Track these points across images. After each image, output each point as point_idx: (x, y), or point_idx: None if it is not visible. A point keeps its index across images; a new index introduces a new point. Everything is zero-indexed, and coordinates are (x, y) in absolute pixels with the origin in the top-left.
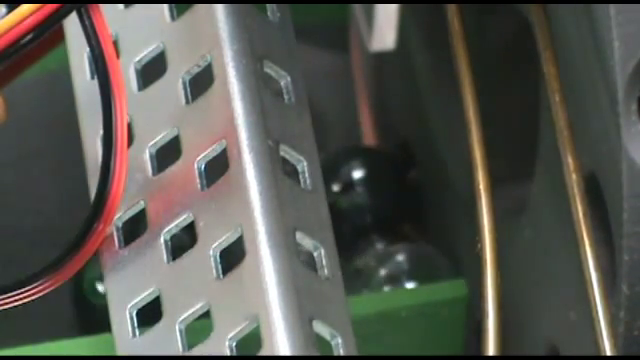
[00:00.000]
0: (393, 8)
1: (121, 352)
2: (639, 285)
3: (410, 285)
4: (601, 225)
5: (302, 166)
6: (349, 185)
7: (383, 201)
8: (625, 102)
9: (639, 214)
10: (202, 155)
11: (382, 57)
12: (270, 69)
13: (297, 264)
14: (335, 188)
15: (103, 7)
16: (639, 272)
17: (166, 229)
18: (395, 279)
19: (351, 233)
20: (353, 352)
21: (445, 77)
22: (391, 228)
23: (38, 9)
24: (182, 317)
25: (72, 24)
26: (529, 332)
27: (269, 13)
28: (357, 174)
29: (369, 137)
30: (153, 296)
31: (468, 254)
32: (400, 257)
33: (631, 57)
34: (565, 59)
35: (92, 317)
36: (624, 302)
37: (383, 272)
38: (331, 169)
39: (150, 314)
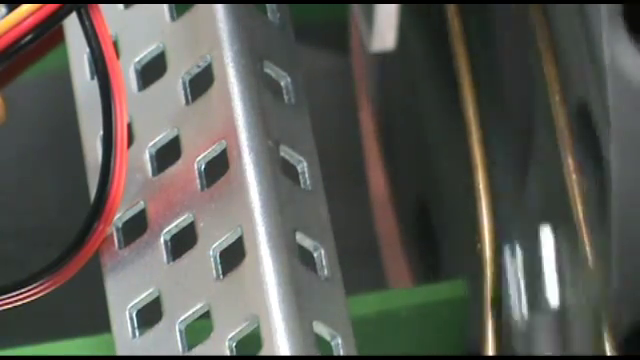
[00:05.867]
0: (393, 8)
1: (121, 352)
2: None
3: None
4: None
5: (302, 166)
6: None
7: None
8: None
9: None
10: (202, 155)
11: (382, 57)
12: (270, 69)
13: (297, 264)
14: None
15: (103, 7)
16: (629, 195)
17: (166, 229)
18: None
19: None
20: (353, 352)
21: (445, 77)
22: None
23: (38, 9)
24: (182, 317)
25: (72, 24)
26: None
27: (269, 13)
28: None
29: (369, 137)
30: (153, 296)
31: (468, 254)
32: None
33: None
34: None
35: None
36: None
37: None
38: None
39: (150, 314)
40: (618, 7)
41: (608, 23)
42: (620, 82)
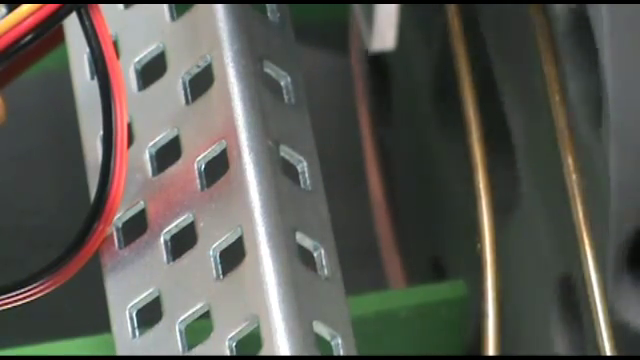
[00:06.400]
0: (393, 8)
1: (121, 352)
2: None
3: None
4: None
5: (302, 166)
6: None
7: None
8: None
9: None
10: (202, 155)
11: (382, 57)
12: (270, 69)
13: (297, 264)
14: None
15: (103, 7)
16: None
17: (166, 229)
18: None
19: None
20: (353, 352)
21: (444, 77)
22: None
23: (38, 9)
24: (182, 317)
25: (72, 24)
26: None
27: (269, 13)
28: None
29: (368, 137)
30: (153, 296)
31: (468, 254)
32: None
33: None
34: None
35: None
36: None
37: None
38: None
39: (150, 314)
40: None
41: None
42: None
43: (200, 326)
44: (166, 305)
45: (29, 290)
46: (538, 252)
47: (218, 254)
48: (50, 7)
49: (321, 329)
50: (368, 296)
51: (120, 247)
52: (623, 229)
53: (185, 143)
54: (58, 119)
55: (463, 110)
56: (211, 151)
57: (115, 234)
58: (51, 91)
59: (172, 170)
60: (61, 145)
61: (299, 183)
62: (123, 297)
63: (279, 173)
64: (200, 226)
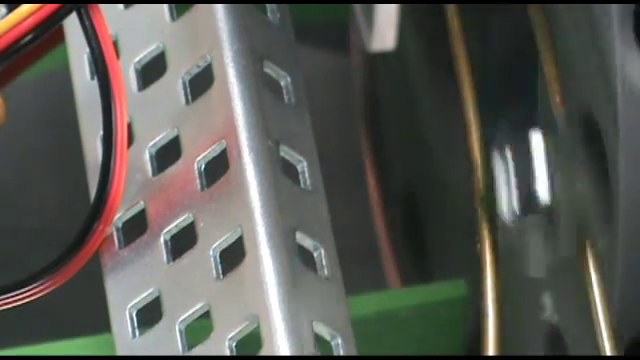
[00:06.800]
0: (393, 8)
1: (121, 352)
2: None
3: None
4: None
5: (302, 166)
6: None
7: None
8: (620, 18)
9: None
10: (202, 155)
11: (382, 57)
12: (270, 69)
13: (297, 264)
14: None
15: (103, 7)
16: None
17: (166, 229)
18: None
19: None
20: (353, 352)
21: (443, 77)
22: None
23: (38, 9)
24: (182, 317)
25: (72, 24)
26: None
27: (269, 13)
28: None
29: (368, 138)
30: (153, 296)
31: (468, 254)
32: None
33: None
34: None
35: None
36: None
37: None
38: None
39: (150, 314)
40: (629, 19)
41: (619, 35)
42: (630, 92)
43: (200, 326)
44: (166, 305)
45: (29, 290)
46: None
47: (218, 254)
48: (50, 7)
49: (321, 329)
50: (368, 296)
51: (120, 247)
52: None
53: (185, 143)
54: (58, 119)
55: (463, 110)
56: (211, 151)
57: (115, 234)
58: (51, 91)
59: (172, 170)
60: (61, 145)
61: (299, 183)
62: (123, 297)
63: (279, 173)
64: (200, 226)
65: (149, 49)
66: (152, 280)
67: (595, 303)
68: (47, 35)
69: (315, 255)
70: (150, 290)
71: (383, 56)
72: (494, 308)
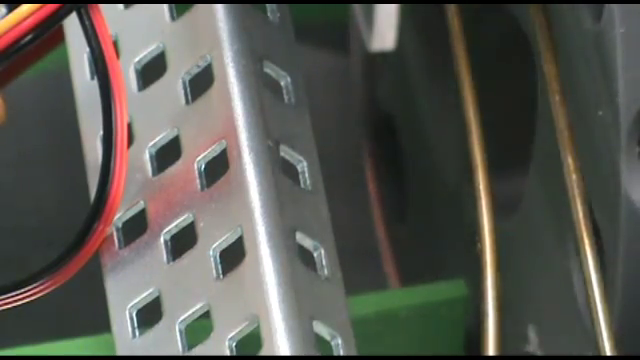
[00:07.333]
0: (393, 8)
1: (121, 352)
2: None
3: None
4: None
5: (302, 166)
6: None
7: None
8: (628, 145)
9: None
10: (202, 155)
11: (382, 57)
12: (270, 69)
13: (297, 264)
14: None
15: (103, 7)
16: (633, 312)
17: (166, 229)
18: None
19: None
20: (353, 352)
21: (442, 77)
22: None
23: (38, 9)
24: (182, 317)
25: (72, 24)
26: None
27: (269, 13)
28: None
29: (367, 138)
30: (153, 296)
31: (467, 254)
32: None
33: (635, 102)
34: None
35: None
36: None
37: None
38: None
39: (150, 314)
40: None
41: (625, 156)
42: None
43: (200, 326)
44: (166, 305)
45: (29, 290)
46: (539, 252)
47: (218, 254)
48: (50, 7)
49: (321, 329)
50: (368, 296)
51: (120, 247)
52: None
53: (185, 143)
54: (58, 119)
55: (463, 110)
56: (211, 151)
57: (115, 234)
58: (51, 91)
59: (172, 170)
60: (61, 145)
61: (299, 183)
62: (123, 297)
63: (279, 173)
64: (200, 226)
65: (149, 49)
66: (152, 280)
67: (595, 303)
68: (47, 35)
69: (315, 255)
70: (150, 290)
71: (383, 56)
72: (494, 308)
